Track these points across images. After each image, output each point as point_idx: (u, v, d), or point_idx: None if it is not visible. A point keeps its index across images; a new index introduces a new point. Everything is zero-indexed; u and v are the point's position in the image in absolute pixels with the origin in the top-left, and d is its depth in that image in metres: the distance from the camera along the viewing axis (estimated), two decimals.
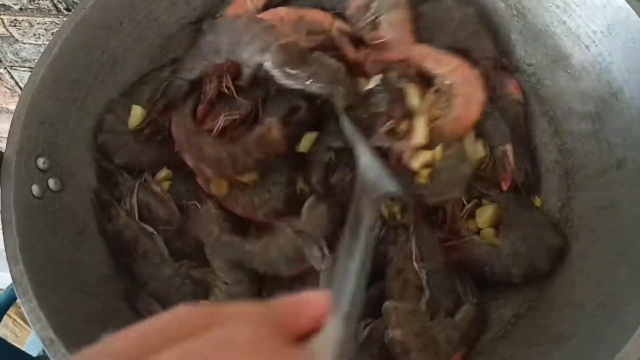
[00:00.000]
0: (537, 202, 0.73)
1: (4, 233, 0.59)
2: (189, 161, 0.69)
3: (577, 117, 0.74)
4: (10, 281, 0.58)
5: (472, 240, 0.69)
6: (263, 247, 0.69)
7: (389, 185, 0.51)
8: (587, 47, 0.72)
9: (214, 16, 0.83)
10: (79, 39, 0.71)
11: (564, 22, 0.74)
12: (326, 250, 0.66)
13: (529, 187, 0.73)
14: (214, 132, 0.72)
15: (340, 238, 0.40)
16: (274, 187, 0.72)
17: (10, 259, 0.58)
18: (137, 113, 0.76)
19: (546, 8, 0.76)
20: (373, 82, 0.70)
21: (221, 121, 0.72)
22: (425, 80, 0.74)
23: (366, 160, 0.54)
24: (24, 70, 1.22)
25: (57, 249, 0.63)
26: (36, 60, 0.68)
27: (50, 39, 0.70)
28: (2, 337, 0.76)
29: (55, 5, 1.00)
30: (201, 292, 0.68)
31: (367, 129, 0.67)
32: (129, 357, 0.28)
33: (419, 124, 0.69)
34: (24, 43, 1.13)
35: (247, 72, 0.70)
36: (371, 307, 0.66)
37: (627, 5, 0.65)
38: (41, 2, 0.99)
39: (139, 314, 0.66)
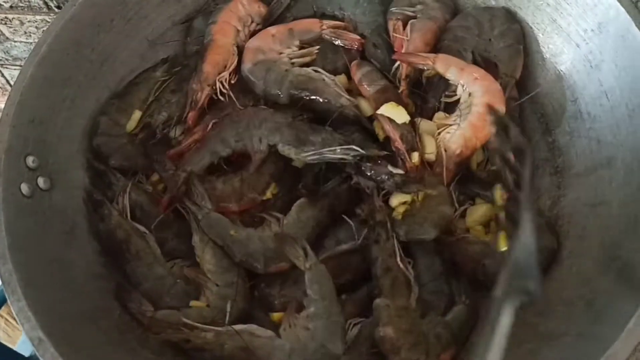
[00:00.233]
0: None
1: None
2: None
3: (568, 115, 0.74)
4: None
5: (466, 238, 0.69)
6: (246, 236, 0.69)
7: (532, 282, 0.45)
8: (577, 45, 0.72)
9: (205, 13, 0.84)
10: (68, 36, 0.71)
11: (555, 20, 0.74)
12: (309, 251, 0.66)
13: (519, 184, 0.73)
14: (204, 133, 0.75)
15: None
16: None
17: None
18: (136, 117, 0.78)
19: (537, 6, 0.76)
20: None
21: (210, 126, 0.75)
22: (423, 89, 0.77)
23: (525, 241, 0.47)
24: (15, 69, 1.21)
25: (47, 248, 0.63)
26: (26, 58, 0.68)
27: (41, 36, 0.69)
28: None
29: (46, 2, 1.00)
30: (193, 291, 0.68)
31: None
32: None
33: (428, 139, 0.72)
34: (15, 41, 1.12)
35: (258, 157, 0.72)
36: (361, 308, 0.67)
37: (618, 4, 0.66)
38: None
39: (130, 314, 0.66)
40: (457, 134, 0.71)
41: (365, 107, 0.75)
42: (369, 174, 0.69)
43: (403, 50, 0.79)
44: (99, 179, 0.73)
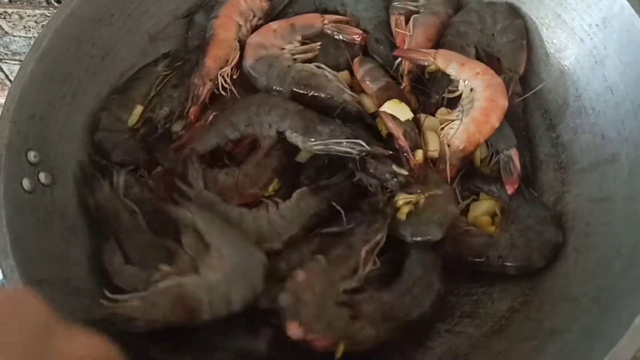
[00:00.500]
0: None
1: None
2: None
3: (572, 110, 0.74)
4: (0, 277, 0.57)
5: (469, 230, 0.69)
6: (238, 215, 0.69)
7: None
8: (581, 40, 0.72)
9: (206, 8, 0.83)
10: (69, 31, 0.70)
11: (559, 15, 0.74)
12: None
13: (527, 180, 0.73)
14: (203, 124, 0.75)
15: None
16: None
17: (0, 254, 0.57)
18: (137, 112, 0.77)
19: (541, 1, 0.76)
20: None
21: (210, 116, 0.74)
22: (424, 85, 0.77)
23: None
24: (14, 64, 1.21)
25: (48, 243, 0.63)
26: (26, 54, 0.67)
27: (40, 31, 0.69)
28: None
29: None
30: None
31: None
32: None
33: (431, 136, 0.71)
34: (14, 36, 1.12)
35: (266, 142, 0.72)
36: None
37: None
38: None
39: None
40: (460, 129, 0.71)
41: (368, 104, 0.75)
42: (372, 171, 0.69)
43: (405, 46, 0.78)
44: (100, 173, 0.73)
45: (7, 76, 1.27)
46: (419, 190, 0.68)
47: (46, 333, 0.34)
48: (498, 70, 0.74)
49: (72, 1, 0.70)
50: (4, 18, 1.06)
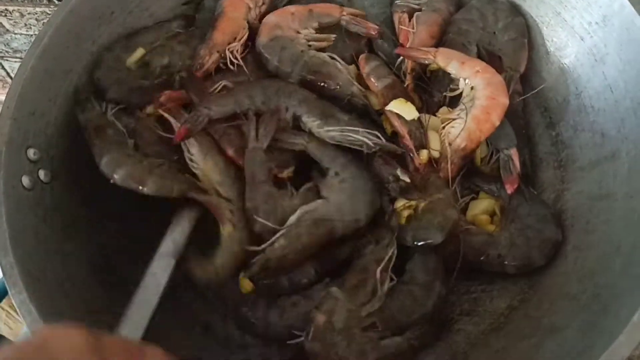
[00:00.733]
0: None
1: None
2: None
3: (571, 108, 0.74)
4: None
5: (469, 229, 0.69)
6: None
7: None
8: (581, 38, 0.72)
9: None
10: (69, 29, 0.70)
11: (559, 14, 0.74)
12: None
13: (527, 178, 0.73)
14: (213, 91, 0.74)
15: None
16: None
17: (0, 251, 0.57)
18: (137, 54, 0.77)
19: None
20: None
21: (219, 86, 0.75)
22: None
23: None
24: (15, 61, 1.21)
25: (48, 240, 0.63)
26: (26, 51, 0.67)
27: (41, 29, 0.69)
28: None
29: None
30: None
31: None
32: None
33: (432, 136, 0.72)
34: (15, 33, 1.12)
35: (288, 115, 0.73)
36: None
37: None
38: None
39: None
40: (460, 127, 0.70)
41: (373, 101, 0.75)
42: (376, 170, 0.69)
43: (409, 43, 0.78)
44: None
45: (8, 74, 1.27)
46: (419, 197, 0.68)
47: None
48: (499, 69, 0.74)
49: None
50: (5, 16, 1.06)
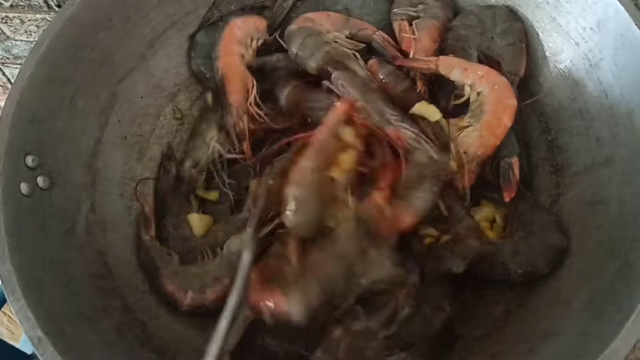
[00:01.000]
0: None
1: None
2: None
3: (567, 113, 0.74)
4: None
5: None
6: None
7: None
8: (577, 43, 0.72)
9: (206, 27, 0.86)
10: (68, 36, 0.71)
11: (554, 19, 0.74)
12: None
13: (524, 183, 0.73)
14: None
15: None
16: None
17: None
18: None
19: (537, 4, 0.76)
20: None
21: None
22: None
23: None
24: (16, 67, 1.21)
25: (46, 247, 0.63)
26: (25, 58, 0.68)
27: (40, 36, 0.69)
28: None
29: (46, 1, 1.00)
30: None
31: None
32: None
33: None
34: (16, 40, 1.12)
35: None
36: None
37: (617, 2, 0.66)
38: None
39: None
40: (474, 135, 0.70)
41: None
42: None
43: (412, 50, 0.79)
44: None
45: (9, 80, 1.28)
46: (443, 227, 0.67)
47: None
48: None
49: (71, 6, 0.71)
50: (6, 22, 1.07)
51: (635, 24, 0.64)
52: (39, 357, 0.53)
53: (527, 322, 0.63)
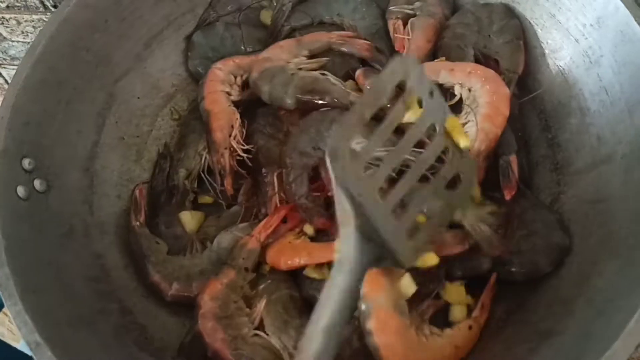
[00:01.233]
0: None
1: None
2: None
3: (567, 111, 0.73)
4: None
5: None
6: None
7: None
8: (576, 40, 0.71)
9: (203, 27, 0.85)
10: (63, 38, 0.70)
11: (554, 16, 0.74)
12: None
13: (524, 181, 0.73)
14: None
15: None
16: None
17: None
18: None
19: (536, 1, 0.75)
20: None
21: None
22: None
23: None
24: (13, 68, 1.21)
25: (43, 251, 0.63)
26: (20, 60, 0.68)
27: (35, 38, 0.69)
28: None
29: (42, 2, 1.00)
30: None
31: None
32: None
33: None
34: (12, 41, 1.12)
35: None
36: None
37: None
38: None
39: None
40: (474, 130, 0.69)
41: None
42: None
43: (405, 50, 0.78)
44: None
45: (6, 81, 1.28)
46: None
47: None
48: (496, 72, 0.73)
49: (67, 7, 0.70)
50: (2, 23, 1.06)
51: (635, 20, 0.63)
52: None
53: (527, 322, 0.63)
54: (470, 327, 0.63)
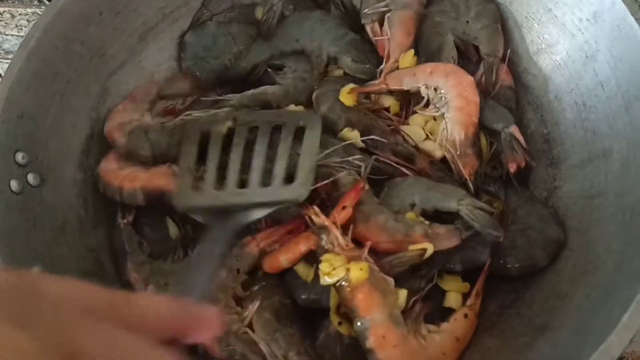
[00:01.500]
0: None
1: None
2: None
3: (563, 106, 0.73)
4: None
5: None
6: None
7: None
8: (573, 35, 0.71)
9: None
10: (57, 30, 0.70)
11: (550, 10, 0.74)
12: None
13: (521, 176, 0.73)
14: None
15: None
16: None
17: None
18: None
19: None
20: None
21: None
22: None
23: None
24: (7, 62, 1.20)
25: (37, 244, 0.62)
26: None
27: (29, 30, 0.68)
28: None
29: None
30: None
31: None
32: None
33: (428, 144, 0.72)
34: (6, 35, 1.11)
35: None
36: None
37: None
38: None
39: None
40: (450, 122, 0.70)
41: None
42: None
43: (385, 50, 0.77)
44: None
45: (1, 74, 1.27)
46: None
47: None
48: (475, 58, 0.76)
49: (61, 0, 0.70)
50: None
51: (632, 15, 0.63)
52: None
53: (522, 317, 0.63)
54: (466, 316, 0.63)
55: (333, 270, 0.58)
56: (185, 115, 0.75)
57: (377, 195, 0.68)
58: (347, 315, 0.60)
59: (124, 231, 0.71)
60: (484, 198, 0.71)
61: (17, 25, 1.08)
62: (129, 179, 0.70)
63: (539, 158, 0.75)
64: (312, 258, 0.64)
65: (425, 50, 0.77)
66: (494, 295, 0.67)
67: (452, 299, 0.65)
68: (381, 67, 0.77)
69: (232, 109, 0.75)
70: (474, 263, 0.65)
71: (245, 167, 0.68)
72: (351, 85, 0.74)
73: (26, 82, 0.66)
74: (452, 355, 0.61)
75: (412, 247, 0.62)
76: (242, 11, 0.86)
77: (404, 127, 0.73)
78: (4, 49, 1.16)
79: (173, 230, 0.74)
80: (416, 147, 0.72)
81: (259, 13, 0.86)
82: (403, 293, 0.60)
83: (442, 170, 0.71)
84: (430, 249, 0.61)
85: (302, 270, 0.65)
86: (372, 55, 0.79)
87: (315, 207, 0.64)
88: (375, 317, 0.57)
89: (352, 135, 0.71)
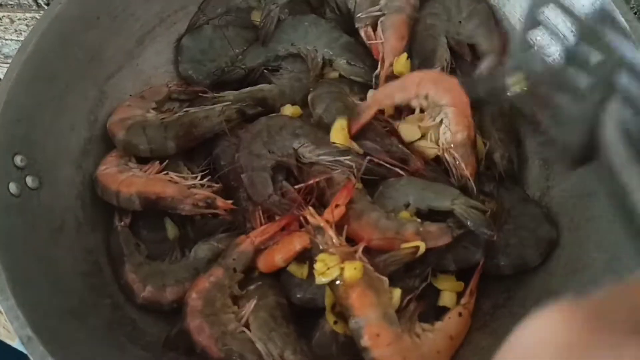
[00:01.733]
0: None
1: None
2: None
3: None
4: None
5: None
6: None
7: None
8: (564, 36, 0.72)
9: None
10: (55, 35, 0.70)
11: (542, 12, 0.74)
12: None
13: (513, 176, 0.74)
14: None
15: None
16: None
17: None
18: None
19: None
20: None
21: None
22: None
23: None
24: (7, 67, 1.21)
25: (35, 246, 0.63)
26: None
27: (27, 35, 0.69)
28: None
29: (35, 0, 1.00)
30: None
31: None
32: None
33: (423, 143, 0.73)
34: (6, 39, 1.12)
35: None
36: None
37: None
38: None
39: None
40: (448, 124, 0.71)
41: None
42: None
43: (380, 55, 0.78)
44: None
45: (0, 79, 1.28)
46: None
47: None
48: (469, 57, 0.76)
49: (58, 4, 0.70)
50: None
51: (622, 16, 0.64)
52: (29, 356, 0.53)
53: (515, 316, 0.63)
54: (460, 314, 0.64)
55: (327, 270, 0.59)
56: (183, 111, 0.77)
57: (371, 195, 0.69)
58: (343, 314, 0.60)
59: (121, 234, 0.72)
60: (477, 198, 0.72)
61: (16, 30, 1.08)
62: (126, 184, 0.71)
63: (533, 158, 0.75)
64: (304, 256, 0.65)
65: (418, 53, 0.78)
66: (487, 294, 0.68)
67: (447, 298, 0.66)
68: (376, 71, 0.78)
69: (228, 103, 0.76)
70: (467, 262, 0.66)
71: None
72: (342, 122, 0.72)
73: (24, 85, 0.67)
74: (446, 353, 0.62)
75: (404, 245, 0.62)
76: (238, 15, 0.87)
77: (399, 124, 0.73)
78: (3, 54, 1.17)
79: (171, 230, 0.74)
80: (410, 145, 0.72)
81: (255, 17, 0.87)
82: (397, 292, 0.61)
83: (436, 170, 0.71)
84: (422, 246, 0.62)
85: (294, 269, 0.66)
86: (366, 57, 0.80)
87: (310, 208, 0.64)
88: (370, 316, 0.58)
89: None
